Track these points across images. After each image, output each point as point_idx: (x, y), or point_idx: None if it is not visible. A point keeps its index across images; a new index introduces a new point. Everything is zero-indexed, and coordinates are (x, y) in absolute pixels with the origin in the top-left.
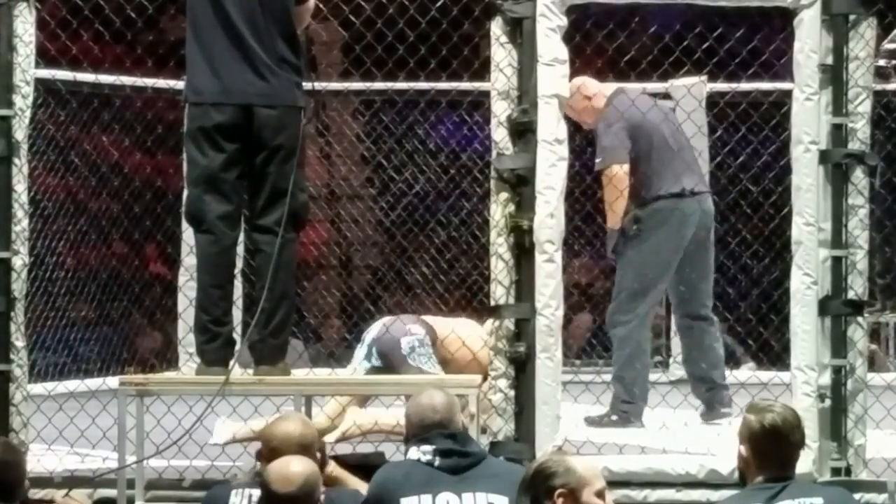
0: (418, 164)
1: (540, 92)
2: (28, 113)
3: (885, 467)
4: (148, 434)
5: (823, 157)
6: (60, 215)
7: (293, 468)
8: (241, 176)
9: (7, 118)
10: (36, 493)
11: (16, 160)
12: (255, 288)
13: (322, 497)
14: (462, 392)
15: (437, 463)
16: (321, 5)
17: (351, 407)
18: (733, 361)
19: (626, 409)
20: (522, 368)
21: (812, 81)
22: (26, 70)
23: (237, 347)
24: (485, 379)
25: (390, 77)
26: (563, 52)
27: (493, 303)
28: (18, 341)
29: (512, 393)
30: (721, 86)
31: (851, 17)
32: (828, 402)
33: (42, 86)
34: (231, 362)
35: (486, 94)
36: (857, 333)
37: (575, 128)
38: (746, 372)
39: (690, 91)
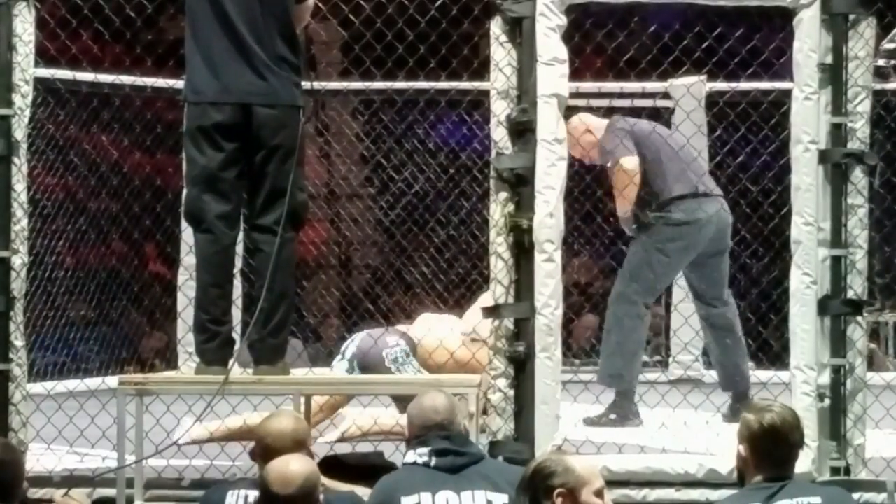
0: (418, 163)
1: (539, 91)
2: (27, 112)
3: (885, 467)
4: (147, 434)
5: (823, 156)
6: (60, 215)
7: (292, 468)
8: (241, 175)
9: (6, 117)
10: (35, 493)
11: (15, 159)
12: (255, 287)
13: (322, 497)
14: (461, 392)
15: (433, 463)
16: (320, 5)
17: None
18: None
19: (623, 407)
20: (522, 368)
21: (811, 81)
22: (26, 69)
23: (236, 347)
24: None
25: (390, 76)
26: (563, 52)
27: (492, 302)
28: (18, 340)
29: (511, 392)
30: (720, 85)
31: (851, 17)
32: (827, 402)
33: (41, 85)
34: (230, 362)
35: (486, 93)
36: (857, 333)
37: (580, 164)
38: None
39: (690, 91)
